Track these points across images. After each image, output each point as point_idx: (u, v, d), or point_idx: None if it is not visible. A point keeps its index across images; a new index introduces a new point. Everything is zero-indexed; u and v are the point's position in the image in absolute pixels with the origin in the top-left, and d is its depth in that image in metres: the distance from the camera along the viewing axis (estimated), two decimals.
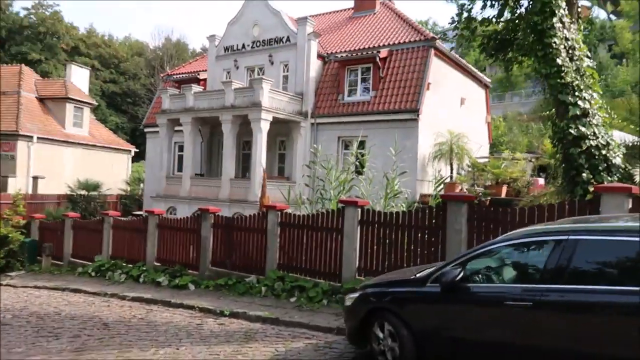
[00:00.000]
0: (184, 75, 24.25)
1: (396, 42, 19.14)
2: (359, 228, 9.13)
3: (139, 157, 38.49)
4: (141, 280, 12.36)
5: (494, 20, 9.19)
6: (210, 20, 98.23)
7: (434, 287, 5.08)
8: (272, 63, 20.33)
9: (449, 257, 7.64)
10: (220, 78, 21.74)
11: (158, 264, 12.87)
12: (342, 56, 19.56)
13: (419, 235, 8.49)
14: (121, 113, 57.31)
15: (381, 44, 19.46)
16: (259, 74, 20.87)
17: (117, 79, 58.54)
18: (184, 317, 8.98)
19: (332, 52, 20.40)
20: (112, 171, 32.07)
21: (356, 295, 5.98)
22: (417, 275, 5.57)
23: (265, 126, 17.59)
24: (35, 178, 26.22)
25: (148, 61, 60.88)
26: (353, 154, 12.42)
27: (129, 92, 58.00)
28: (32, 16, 54.24)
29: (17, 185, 25.74)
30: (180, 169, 22.25)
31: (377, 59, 18.34)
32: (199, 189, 19.15)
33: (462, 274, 4.83)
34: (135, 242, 13.47)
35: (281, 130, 19.36)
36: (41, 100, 30.04)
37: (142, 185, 32.25)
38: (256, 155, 17.52)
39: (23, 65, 33.86)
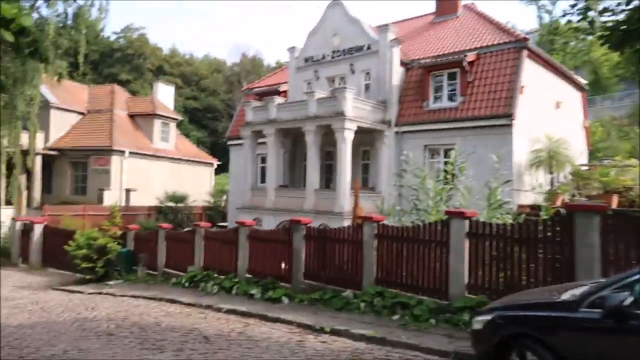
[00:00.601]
0: (264, 88, 24.60)
1: (484, 44, 18.16)
2: (467, 241, 8.44)
3: (220, 169, 39.60)
4: (233, 292, 12.33)
5: (616, 9, 8.26)
6: (284, 35, 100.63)
7: (591, 313, 4.36)
8: (353, 72, 20.04)
9: (580, 276, 6.80)
10: (300, 89, 21.77)
11: (249, 275, 12.81)
12: (426, 62, 18.88)
13: (539, 250, 7.65)
14: (202, 128, 59.69)
15: (468, 48, 18.56)
16: (339, 84, 20.64)
17: (198, 95, 61.17)
18: (283, 332, 8.70)
19: (414, 59, 19.76)
20: (196, 183, 33.26)
21: (487, 318, 5.35)
22: (564, 298, 4.85)
23: (349, 135, 17.26)
24: (127, 190, 27.66)
25: (226, 77, 63.21)
26: (451, 162, 11.68)
27: (209, 107, 60.34)
28: (121, 40, 58.16)
29: (111, 197, 27.31)
30: (263, 180, 22.51)
31: (464, 63, 17.49)
32: (283, 200, 19.13)
33: (630, 299, 4.09)
34: (226, 253, 13.53)
35: (364, 140, 18.92)
36: (131, 116, 31.82)
37: (224, 197, 33.18)
38: (341, 166, 17.21)
39: (115, 84, 36.16)
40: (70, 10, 22.18)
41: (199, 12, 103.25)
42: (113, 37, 58.69)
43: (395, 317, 8.88)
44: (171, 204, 28.33)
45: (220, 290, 12.74)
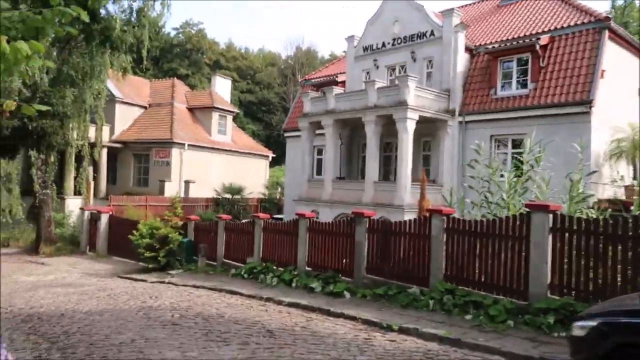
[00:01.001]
0: (321, 79, 24.26)
1: (559, 26, 16.92)
2: (550, 237, 7.71)
3: (274, 162, 39.84)
4: (293, 285, 12.10)
5: None
6: (337, 27, 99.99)
7: None
8: (414, 60, 19.29)
9: None
10: (359, 79, 21.26)
11: (309, 268, 12.54)
12: (493, 47, 17.84)
13: (637, 249, 6.83)
14: (256, 121, 60.43)
15: (540, 30, 17.37)
16: (400, 73, 19.97)
17: (253, 88, 61.92)
18: (348, 329, 8.33)
19: (480, 44, 18.75)
20: (252, 176, 33.58)
21: (591, 324, 4.72)
22: None
23: (411, 126, 16.61)
24: (187, 182, 28.26)
25: (281, 70, 63.57)
26: (526, 152, 10.84)
27: (264, 100, 60.94)
28: (180, 35, 59.68)
29: (171, 189, 27.99)
30: (319, 172, 22.23)
31: (537, 47, 16.35)
32: (340, 192, 18.77)
33: None
34: (286, 245, 13.34)
35: (425, 130, 18.18)
36: (190, 110, 32.48)
37: (279, 189, 33.33)
38: (402, 157, 16.60)
39: (175, 78, 37.05)
40: (135, 5, 22.79)
41: (254, 6, 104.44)
42: (173, 33, 60.36)
43: (468, 316, 8.30)
44: (228, 195, 28.71)
45: (279, 282, 12.55)
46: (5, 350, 2.11)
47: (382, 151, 19.70)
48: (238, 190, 28.54)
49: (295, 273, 12.54)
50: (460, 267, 9.16)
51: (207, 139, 31.23)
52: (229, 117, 33.52)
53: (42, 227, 22.19)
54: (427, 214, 10.14)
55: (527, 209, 8.13)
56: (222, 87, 35.83)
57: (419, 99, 16.94)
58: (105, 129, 28.30)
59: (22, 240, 24.64)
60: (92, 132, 25.27)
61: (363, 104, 17.79)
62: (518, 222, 8.21)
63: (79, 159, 25.08)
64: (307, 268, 12.59)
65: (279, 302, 10.64)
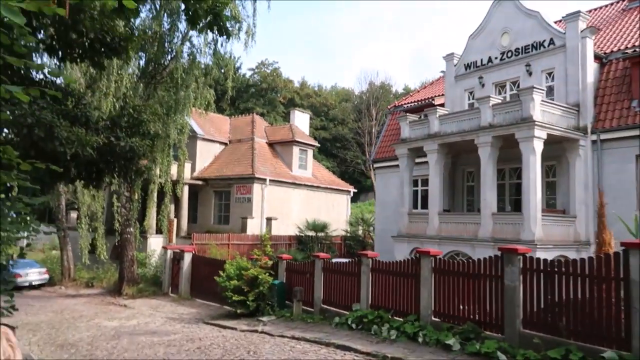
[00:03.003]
0: (413, 104, 22.23)
1: None
2: None
3: (352, 198, 37.80)
4: (419, 339, 9.71)
5: None
6: (409, 60, 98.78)
7: None
8: (530, 74, 16.80)
9: None
10: (460, 100, 19.01)
11: (436, 319, 10.13)
12: (634, 51, 15.04)
13: None
14: (331, 157, 59.19)
15: None
16: (511, 90, 17.53)
17: (327, 125, 61.11)
18: None
19: (612, 51, 16.00)
20: (333, 212, 31.70)
21: None
22: None
23: (538, 146, 14.01)
24: (269, 219, 26.81)
25: (355, 106, 62.47)
26: None
27: (338, 136, 59.80)
28: (255, 75, 60.55)
29: (252, 226, 26.64)
30: (416, 206, 19.89)
31: None
32: (449, 226, 16.27)
33: None
34: (403, 290, 11.04)
35: (548, 153, 15.37)
36: (270, 145, 31.47)
37: (360, 226, 31.12)
38: (529, 183, 13.95)
39: (254, 114, 36.58)
40: (220, 40, 22.20)
41: (327, 45, 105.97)
42: (248, 74, 61.37)
43: None
44: (311, 232, 26.92)
45: (400, 336, 10.20)
46: None
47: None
48: (322, 227, 26.67)
49: (419, 324, 10.16)
50: None
51: (288, 173, 29.89)
52: (310, 151, 32.16)
53: (125, 267, 21.35)
54: (612, 250, 7.54)
55: None
56: (301, 122, 34.77)
57: (545, 115, 14.37)
58: (187, 166, 27.75)
59: (106, 281, 24.01)
60: (173, 169, 24.67)
61: (475, 125, 15.45)
62: None
63: (160, 196, 24.50)
64: (433, 318, 10.19)
65: None
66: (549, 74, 16.48)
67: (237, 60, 41.16)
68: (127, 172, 7.86)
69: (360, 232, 30.79)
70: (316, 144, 34.25)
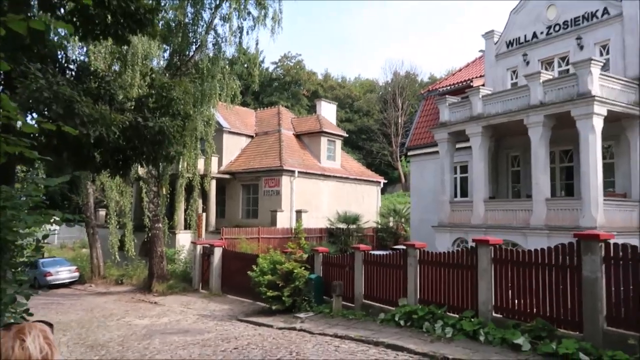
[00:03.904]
0: (450, 87, 21.01)
1: None
2: None
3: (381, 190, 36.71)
4: (481, 338, 8.70)
5: None
6: (434, 50, 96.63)
7: None
8: (581, 48, 15.47)
9: None
10: (502, 80, 17.77)
11: (498, 314, 9.11)
12: None
13: None
14: (356, 149, 58.05)
15: None
16: (559, 67, 16.23)
17: (352, 117, 59.94)
18: None
19: None
20: (363, 203, 30.69)
21: None
22: None
23: (598, 124, 12.76)
24: (298, 212, 25.97)
25: (379, 97, 61.16)
26: None
27: (364, 128, 58.61)
28: (279, 69, 59.75)
29: (282, 219, 25.85)
30: (455, 194, 18.76)
31: None
32: (496, 214, 15.14)
33: None
34: (457, 283, 10.04)
35: (605, 132, 14.09)
36: (297, 136, 30.61)
37: (394, 217, 30.02)
38: (588, 164, 12.72)
39: (280, 106, 35.78)
40: (245, 25, 21.42)
41: (351, 36, 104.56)
42: (271, 68, 60.62)
43: None
44: (342, 225, 25.99)
45: (457, 334, 9.21)
46: None
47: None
48: (354, 219, 25.72)
49: (478, 321, 9.15)
50: None
51: (317, 165, 28.99)
52: (338, 142, 31.19)
53: (155, 264, 20.85)
54: None
55: None
56: (328, 112, 33.74)
57: (604, 90, 13.08)
58: (214, 160, 27.11)
59: (135, 278, 23.59)
60: (200, 164, 24.07)
61: (523, 104, 14.24)
62: None
63: (188, 191, 23.92)
64: (494, 314, 9.16)
65: None
66: (603, 46, 15.14)
67: (261, 54, 40.56)
68: (156, 158, 7.08)
69: (391, 223, 29.74)
70: (344, 133, 33.27)
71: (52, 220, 4.98)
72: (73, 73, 6.51)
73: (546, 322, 8.10)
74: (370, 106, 60.81)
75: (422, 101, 23.25)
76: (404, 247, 11.71)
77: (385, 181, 34.43)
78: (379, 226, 29.25)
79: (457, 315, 9.76)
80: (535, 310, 8.41)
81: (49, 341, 1.69)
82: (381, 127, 58.25)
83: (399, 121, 56.99)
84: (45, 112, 5.33)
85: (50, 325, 1.77)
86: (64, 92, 5.04)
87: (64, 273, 24.32)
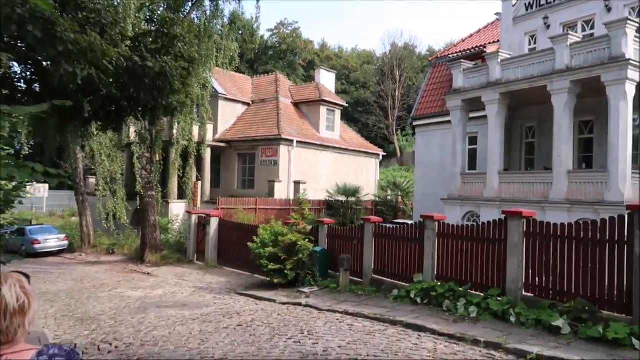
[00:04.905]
0: (462, 53, 19.89)
1: None
2: None
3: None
4: (512, 319, 7.92)
5: None
6: (439, 21, 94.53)
7: None
8: (609, 10, 14.44)
9: None
10: (520, 45, 16.73)
11: (529, 293, 8.32)
12: None
13: None
14: (352, 122, 56.88)
15: None
16: (583, 31, 15.20)
17: (348, 89, 58.52)
18: None
19: None
20: (362, 176, 29.82)
21: None
22: None
23: (630, 90, 11.84)
24: (297, 183, 25.02)
25: (377, 68, 59.65)
26: None
27: (360, 100, 57.30)
28: (274, 37, 57.86)
29: (280, 190, 24.92)
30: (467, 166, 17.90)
31: None
32: (512, 187, 14.32)
33: None
34: (481, 258, 9.22)
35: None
36: (295, 105, 29.44)
37: (391, 191, 29.21)
38: (619, 134, 11.84)
39: (277, 72, 34.41)
40: (228, 7, 19.95)
41: (349, 4, 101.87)
42: (267, 35, 58.75)
43: None
44: (341, 197, 25.13)
45: (482, 314, 8.43)
46: None
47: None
48: (354, 192, 24.87)
49: (507, 300, 8.36)
50: None
51: (316, 135, 27.92)
52: (338, 112, 30.07)
53: (148, 234, 19.88)
54: None
55: None
56: (327, 81, 32.46)
57: (638, 54, 12.12)
58: (209, 127, 25.96)
59: (127, 247, 22.67)
60: (194, 131, 22.93)
61: (547, 68, 13.25)
62: None
63: (183, 158, 22.85)
64: (524, 293, 8.37)
65: (521, 354, 6.52)
66: (633, 8, 14.11)
67: (258, 19, 39.02)
68: (155, 108, 6.04)
69: (389, 197, 28.92)
70: (344, 103, 32.09)
71: (30, 174, 4.08)
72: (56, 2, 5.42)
73: (588, 302, 7.32)
74: (367, 78, 59.35)
75: (429, 69, 22.14)
76: (410, 222, 10.84)
77: (385, 154, 33.40)
78: (378, 199, 28.46)
79: (480, 294, 8.97)
80: (574, 289, 7.62)
81: (25, 290, 1.72)
82: (378, 99, 56.96)
83: (396, 94, 55.68)
84: (18, 36, 4.30)
85: (27, 276, 1.79)
86: (42, 11, 4.03)
87: (52, 241, 23.35)
